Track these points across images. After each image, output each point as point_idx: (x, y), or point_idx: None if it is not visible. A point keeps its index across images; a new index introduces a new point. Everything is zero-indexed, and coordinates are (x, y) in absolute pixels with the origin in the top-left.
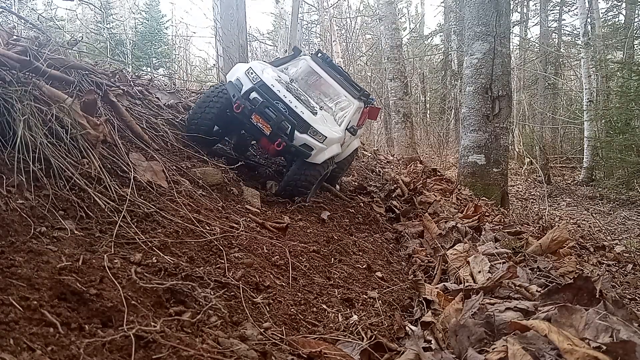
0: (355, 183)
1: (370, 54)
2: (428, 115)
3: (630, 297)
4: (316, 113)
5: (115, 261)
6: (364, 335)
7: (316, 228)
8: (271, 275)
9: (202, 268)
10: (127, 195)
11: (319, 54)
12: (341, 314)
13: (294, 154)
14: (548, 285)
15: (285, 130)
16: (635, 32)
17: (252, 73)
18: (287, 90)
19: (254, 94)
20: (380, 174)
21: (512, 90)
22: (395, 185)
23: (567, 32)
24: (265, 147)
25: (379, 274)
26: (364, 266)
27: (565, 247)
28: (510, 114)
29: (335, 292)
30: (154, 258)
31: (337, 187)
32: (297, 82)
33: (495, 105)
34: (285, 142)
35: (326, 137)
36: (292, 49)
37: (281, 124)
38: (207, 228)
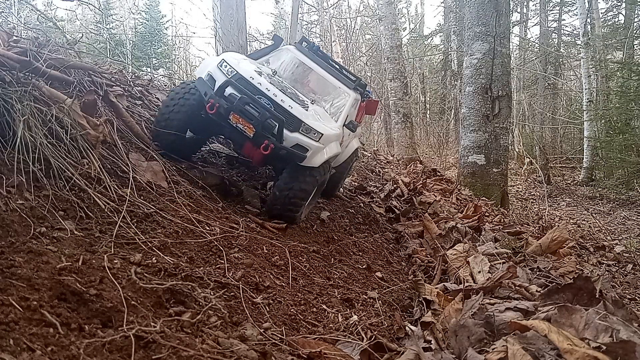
0: (355, 183)
1: (370, 54)
2: (428, 116)
3: (630, 297)
4: (307, 108)
5: (115, 261)
6: (364, 336)
7: (316, 228)
8: (271, 276)
9: (202, 268)
10: (127, 195)
11: (304, 42)
12: (341, 314)
13: (285, 159)
14: (548, 285)
15: (272, 130)
16: (635, 32)
17: (226, 66)
18: (270, 83)
19: (229, 90)
20: (380, 174)
21: (512, 90)
22: (395, 186)
23: (567, 32)
24: (249, 155)
25: (378, 274)
26: (364, 266)
27: (565, 247)
28: (510, 114)
29: (335, 292)
30: (153, 258)
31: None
32: (282, 75)
33: (495, 105)
34: (274, 144)
35: (322, 134)
36: (271, 37)
37: (266, 122)
38: (207, 228)
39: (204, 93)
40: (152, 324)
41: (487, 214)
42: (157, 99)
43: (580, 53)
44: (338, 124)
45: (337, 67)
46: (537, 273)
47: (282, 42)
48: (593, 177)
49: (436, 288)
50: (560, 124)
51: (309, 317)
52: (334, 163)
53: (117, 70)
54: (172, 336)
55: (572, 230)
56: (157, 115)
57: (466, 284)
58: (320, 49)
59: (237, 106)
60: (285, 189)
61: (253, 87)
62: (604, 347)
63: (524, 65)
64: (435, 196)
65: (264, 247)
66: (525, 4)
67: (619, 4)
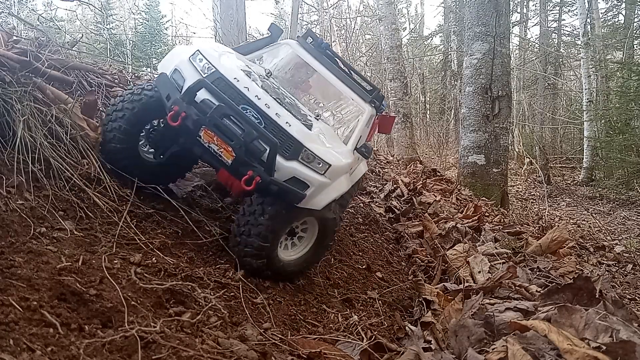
0: None
1: (370, 54)
2: (428, 116)
3: (630, 297)
4: (311, 126)
5: (115, 262)
6: (363, 336)
7: None
8: None
9: (202, 268)
10: (127, 196)
11: (309, 38)
12: (341, 314)
13: (276, 195)
14: (548, 285)
15: (259, 156)
16: (634, 32)
17: (201, 60)
18: (261, 88)
19: (203, 94)
20: (380, 174)
21: (512, 90)
22: (395, 186)
23: (566, 32)
24: (226, 183)
25: (378, 274)
26: (364, 266)
27: (565, 247)
28: (510, 114)
29: (335, 293)
30: (153, 259)
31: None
32: (278, 79)
33: (495, 105)
34: (261, 177)
35: (330, 165)
36: (268, 27)
37: (252, 144)
38: (207, 228)
39: (166, 96)
40: (152, 324)
41: (487, 214)
42: None
43: (580, 53)
44: (349, 148)
45: (350, 72)
46: (537, 273)
47: (280, 34)
48: (593, 177)
49: (436, 288)
50: (560, 124)
51: (309, 317)
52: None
53: (117, 71)
54: (172, 336)
55: (572, 230)
56: (103, 125)
57: (466, 284)
58: (330, 47)
59: (211, 118)
60: (246, 222)
61: (237, 94)
62: (604, 347)
63: (524, 65)
64: (435, 196)
65: None
66: (525, 4)
67: (619, 4)
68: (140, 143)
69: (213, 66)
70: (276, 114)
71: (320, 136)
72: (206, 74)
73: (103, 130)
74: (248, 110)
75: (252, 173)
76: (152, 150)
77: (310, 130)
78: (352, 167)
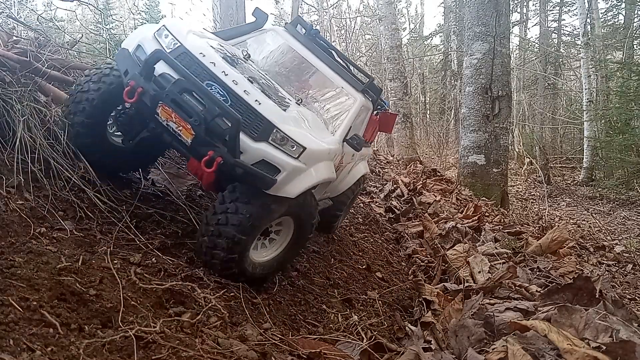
0: None
1: (370, 54)
2: (428, 116)
3: (630, 297)
4: (287, 107)
5: (115, 262)
6: (363, 336)
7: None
8: None
9: (202, 269)
10: (127, 196)
11: (299, 25)
12: (341, 315)
13: (243, 180)
14: (548, 285)
15: (222, 135)
16: (634, 32)
17: (166, 36)
18: (231, 65)
19: (162, 67)
20: (380, 174)
21: (512, 90)
22: (395, 186)
23: (566, 32)
24: (196, 174)
25: (378, 274)
26: (364, 266)
27: (565, 247)
28: (510, 114)
29: (335, 293)
30: (153, 259)
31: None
32: (260, 66)
33: (495, 105)
34: (223, 157)
35: (305, 148)
36: (252, 12)
37: (213, 122)
38: None
39: (125, 71)
40: (152, 324)
41: (487, 214)
42: None
43: (580, 53)
44: (335, 138)
45: (343, 60)
46: (537, 273)
47: (266, 20)
48: (593, 177)
49: (436, 288)
50: (560, 124)
51: (309, 318)
52: (333, 192)
53: None
54: (172, 336)
55: (572, 230)
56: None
57: (466, 284)
58: (320, 34)
59: (169, 93)
60: (217, 222)
61: (202, 69)
62: (604, 347)
63: (524, 65)
64: (435, 196)
65: None
66: (525, 4)
67: (619, 4)
68: (108, 127)
69: (178, 41)
70: (245, 91)
71: (300, 120)
72: (171, 49)
73: (66, 112)
74: (213, 87)
75: (212, 153)
76: (120, 134)
77: (284, 111)
78: (339, 157)
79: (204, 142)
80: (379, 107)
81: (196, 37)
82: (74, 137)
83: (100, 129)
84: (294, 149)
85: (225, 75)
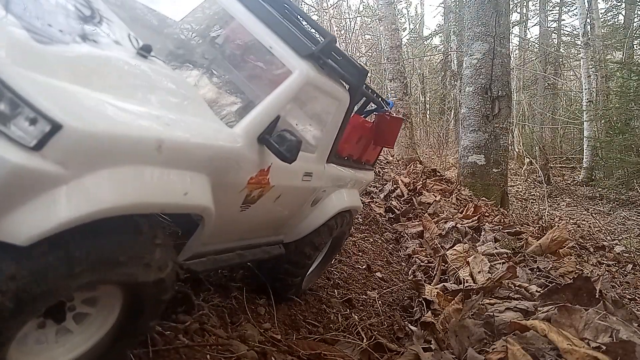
0: None
1: (370, 54)
2: (428, 116)
3: (630, 297)
4: (66, 43)
5: None
6: (363, 336)
7: None
8: None
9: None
10: None
11: None
12: (341, 314)
13: None
14: (548, 285)
15: None
16: (634, 32)
17: None
18: None
19: None
20: (380, 174)
21: (512, 90)
22: (395, 186)
23: (566, 32)
24: None
25: (378, 274)
26: (364, 266)
27: (565, 247)
28: (510, 114)
29: (335, 293)
30: None
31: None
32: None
33: (494, 105)
34: None
35: (59, 127)
36: None
37: None
38: None
39: None
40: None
41: (487, 214)
42: None
43: (580, 53)
44: (233, 131)
45: (298, 16)
46: (537, 273)
47: None
48: (593, 177)
49: (436, 288)
50: (560, 124)
51: (309, 317)
52: (274, 231)
53: None
54: (172, 336)
55: (572, 230)
56: None
57: (466, 284)
58: None
59: None
60: None
61: None
62: (604, 347)
63: (524, 65)
64: (435, 196)
65: None
66: (525, 4)
67: (619, 4)
68: None
69: None
70: None
71: (109, 78)
72: None
73: None
74: None
75: None
76: None
77: (41, 46)
78: (238, 165)
79: None
80: (378, 106)
81: None
82: None
83: None
84: (27, 125)
85: None
